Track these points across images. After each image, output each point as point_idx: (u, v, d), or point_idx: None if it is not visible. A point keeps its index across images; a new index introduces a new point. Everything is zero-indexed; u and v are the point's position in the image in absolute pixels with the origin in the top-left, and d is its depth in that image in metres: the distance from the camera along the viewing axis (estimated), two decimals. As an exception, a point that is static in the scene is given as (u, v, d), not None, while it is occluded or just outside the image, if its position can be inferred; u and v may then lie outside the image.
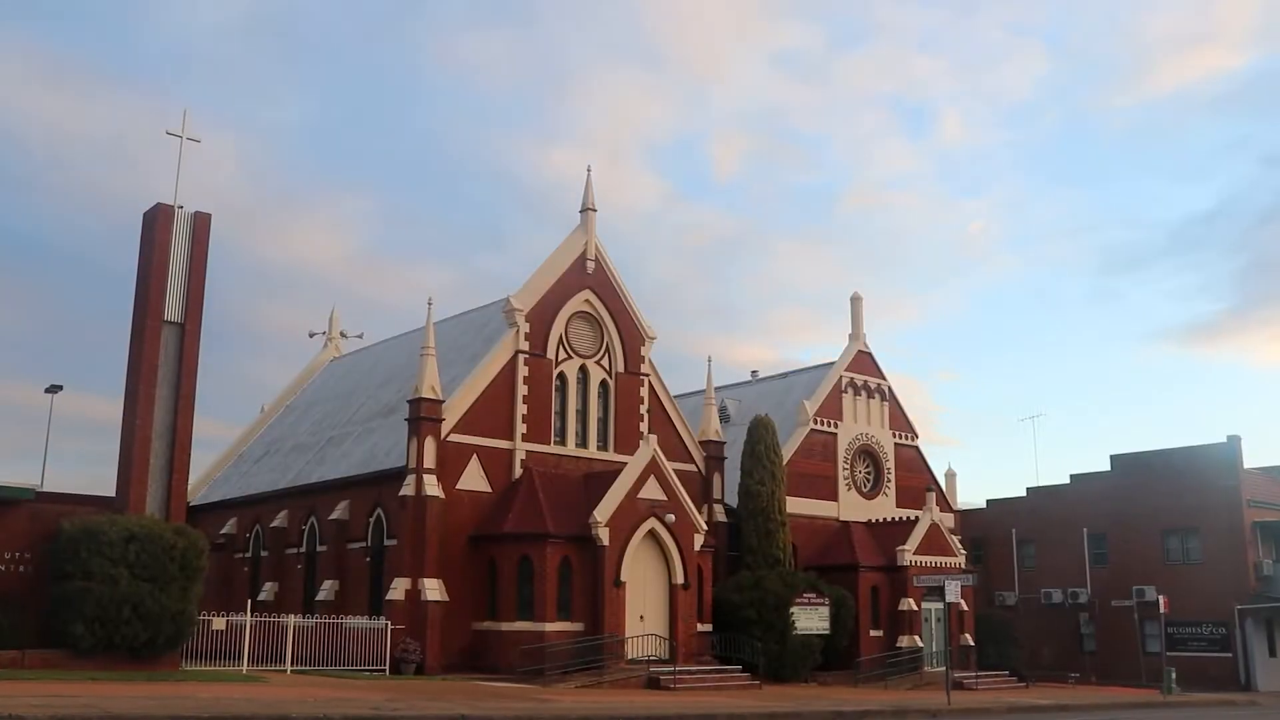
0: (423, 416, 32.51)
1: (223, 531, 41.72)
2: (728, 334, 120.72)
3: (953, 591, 32.76)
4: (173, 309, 27.65)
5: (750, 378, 52.10)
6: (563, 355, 36.41)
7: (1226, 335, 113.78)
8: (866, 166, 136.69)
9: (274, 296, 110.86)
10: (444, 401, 33.13)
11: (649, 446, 33.91)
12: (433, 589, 31.58)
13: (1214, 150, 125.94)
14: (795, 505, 40.66)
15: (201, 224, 28.31)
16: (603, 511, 32.31)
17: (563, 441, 36.01)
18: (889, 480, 45.66)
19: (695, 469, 39.02)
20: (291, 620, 29.79)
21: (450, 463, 33.02)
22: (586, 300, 37.24)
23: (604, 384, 37.37)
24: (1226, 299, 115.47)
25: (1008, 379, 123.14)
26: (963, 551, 43.64)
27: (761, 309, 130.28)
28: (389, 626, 30.81)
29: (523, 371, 35.13)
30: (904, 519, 42.82)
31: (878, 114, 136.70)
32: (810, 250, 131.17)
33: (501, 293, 37.31)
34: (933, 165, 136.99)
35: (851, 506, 43.91)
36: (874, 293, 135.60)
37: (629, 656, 31.86)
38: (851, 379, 45.34)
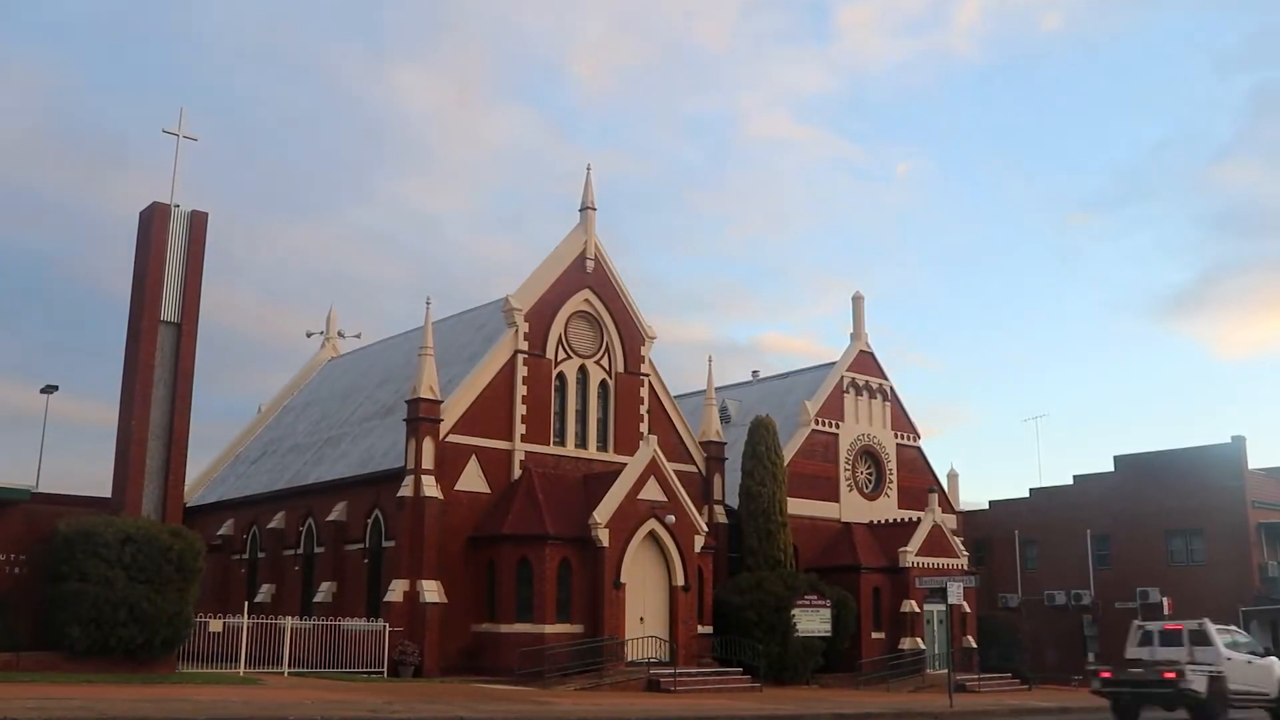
0: (421, 417, 32.32)
1: (220, 533, 41.53)
2: (653, 311, 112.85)
3: (955, 593, 32.53)
4: (169, 309, 27.51)
5: (751, 378, 51.96)
6: (562, 355, 36.22)
7: (1196, 307, 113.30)
8: (765, 85, 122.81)
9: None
10: (442, 402, 32.94)
11: (649, 447, 33.71)
12: (431, 591, 31.38)
13: (1164, 48, 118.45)
14: (796, 506, 40.44)
15: (199, 223, 28.19)
16: (602, 512, 32.11)
17: (562, 442, 35.81)
18: (891, 481, 45.45)
19: (695, 470, 38.82)
20: (289, 622, 29.68)
21: (449, 463, 32.83)
22: (586, 300, 37.05)
23: (604, 384, 37.18)
24: (1192, 265, 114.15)
25: (985, 369, 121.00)
26: (965, 553, 43.43)
27: (684, 279, 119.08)
28: (387, 628, 30.63)
29: (522, 371, 34.94)
30: (906, 520, 42.59)
31: (770, 15, 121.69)
32: (723, 204, 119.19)
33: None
34: (841, 85, 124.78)
35: (853, 507, 43.69)
36: (809, 262, 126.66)
37: (629, 659, 31.67)
38: (853, 379, 45.13)
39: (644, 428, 37.04)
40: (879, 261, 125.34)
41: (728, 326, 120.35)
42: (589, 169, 37.93)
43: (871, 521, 43.39)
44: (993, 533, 53.64)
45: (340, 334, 52.22)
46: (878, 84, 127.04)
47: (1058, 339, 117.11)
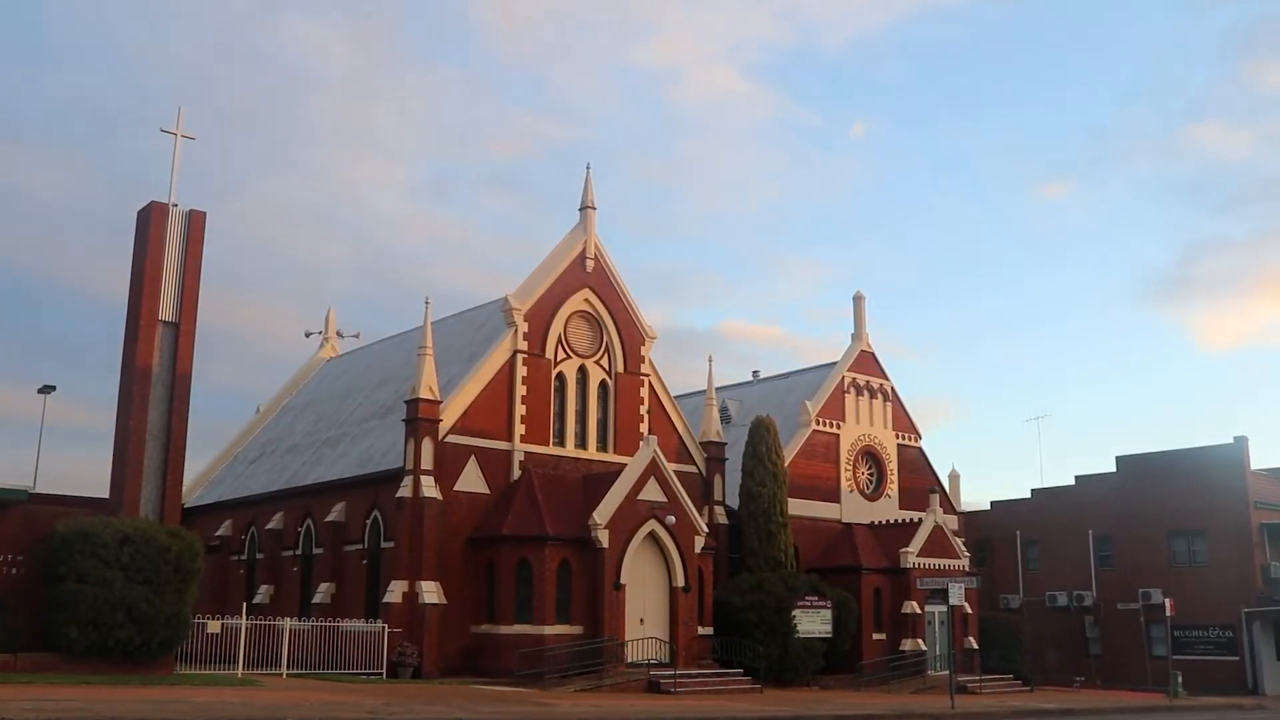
0: (420, 417, 32.19)
1: (218, 533, 41.38)
2: None
3: (956, 594, 32.42)
4: (167, 308, 27.40)
5: (752, 378, 51.86)
6: (562, 355, 36.09)
7: (1180, 293, 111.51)
8: (704, 35, 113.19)
9: None
10: (441, 402, 32.82)
11: (649, 447, 33.58)
12: (430, 592, 31.25)
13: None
14: (797, 507, 40.29)
15: (196, 222, 28.12)
16: (602, 513, 31.97)
17: (562, 442, 35.69)
18: (892, 481, 45.33)
19: (696, 470, 38.69)
20: (287, 623, 29.62)
21: (448, 464, 32.70)
22: (586, 299, 36.93)
23: (603, 384, 37.06)
24: (1172, 243, 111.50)
25: (983, 367, 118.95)
26: (966, 554, 43.27)
27: (628, 260, 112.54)
28: (386, 630, 30.52)
29: (521, 371, 34.82)
30: (907, 520, 42.45)
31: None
32: (663, 173, 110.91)
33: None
34: (787, 36, 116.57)
35: (854, 508, 43.56)
36: (766, 239, 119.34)
37: (629, 660, 31.53)
38: (854, 379, 45.00)
39: (644, 428, 36.91)
40: (843, 237, 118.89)
41: (683, 314, 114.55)
42: (588, 168, 37.85)
43: (872, 522, 43.26)
44: (994, 533, 53.48)
45: (339, 334, 52.17)
46: (828, 32, 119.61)
47: (1052, 333, 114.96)
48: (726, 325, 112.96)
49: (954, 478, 47.22)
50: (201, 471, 46.76)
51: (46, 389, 39.45)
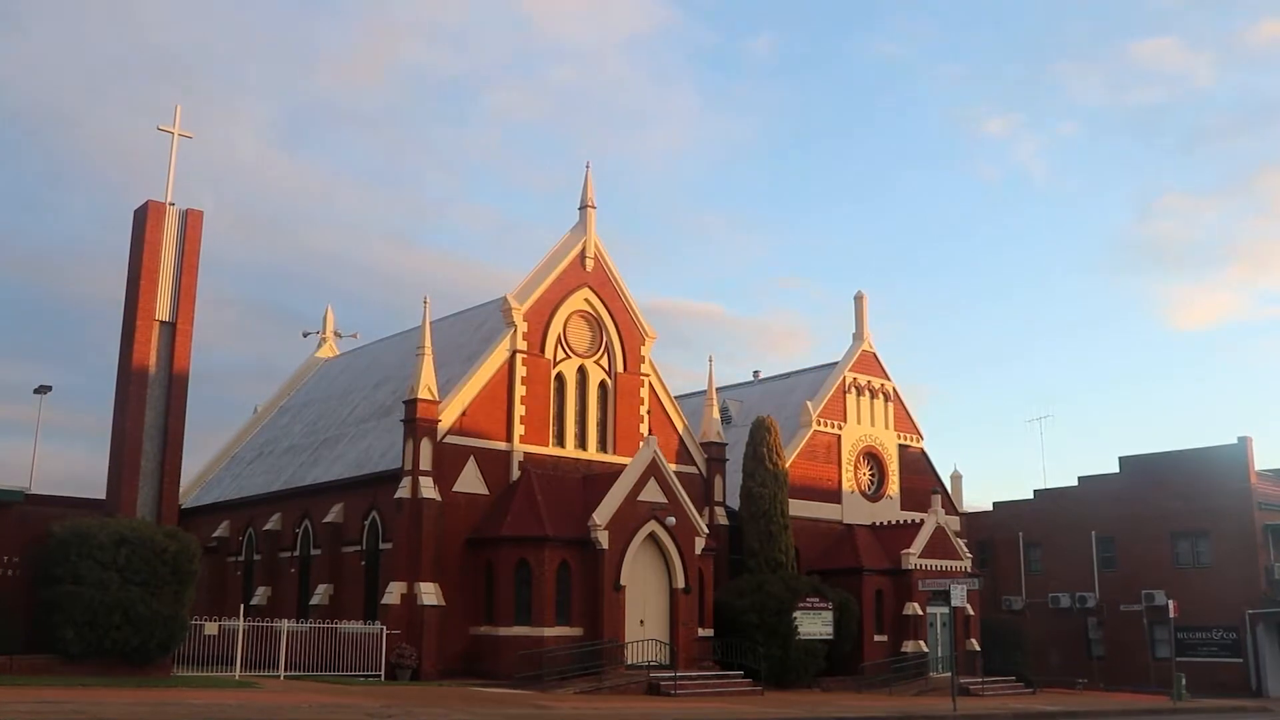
0: (419, 418, 32.03)
1: (215, 534, 41.23)
2: (479, 279, 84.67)
3: (958, 595, 32.24)
4: (164, 308, 27.29)
5: (752, 378, 51.73)
6: (561, 355, 35.93)
7: (1142, 259, 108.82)
8: None
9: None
10: (440, 402, 32.66)
11: (649, 448, 33.40)
12: (429, 593, 31.09)
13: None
14: (798, 508, 40.10)
15: (193, 221, 28.02)
16: (602, 514, 31.80)
17: (561, 443, 35.53)
18: (893, 482, 45.14)
19: (696, 471, 38.52)
20: (285, 625, 29.50)
21: (447, 464, 32.54)
22: (585, 299, 36.77)
23: (603, 384, 36.90)
24: (1129, 194, 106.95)
25: (981, 362, 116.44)
26: (969, 555, 43.08)
27: (526, 222, 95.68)
28: (384, 631, 30.35)
29: (520, 371, 34.65)
30: (909, 521, 42.28)
31: None
32: (547, 103, 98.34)
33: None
34: None
35: (855, 509, 43.38)
36: (683, 197, 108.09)
37: (629, 662, 31.36)
38: (855, 379, 44.82)
39: (644, 428, 36.76)
40: (774, 194, 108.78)
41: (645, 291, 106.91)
42: (588, 166, 37.71)
43: (874, 523, 43.08)
44: (996, 534, 53.30)
45: (337, 333, 52.04)
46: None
47: (1033, 318, 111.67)
48: (662, 303, 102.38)
49: (956, 478, 47.08)
50: (199, 472, 46.62)
51: (43, 389, 39.24)
